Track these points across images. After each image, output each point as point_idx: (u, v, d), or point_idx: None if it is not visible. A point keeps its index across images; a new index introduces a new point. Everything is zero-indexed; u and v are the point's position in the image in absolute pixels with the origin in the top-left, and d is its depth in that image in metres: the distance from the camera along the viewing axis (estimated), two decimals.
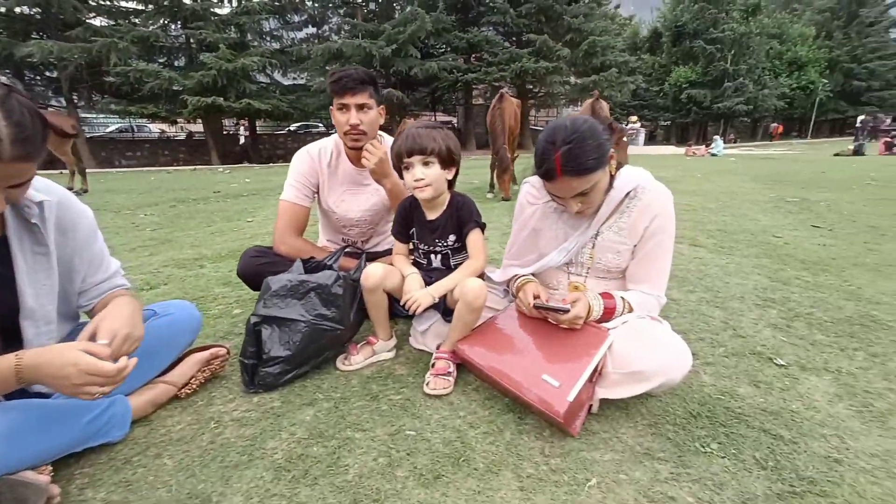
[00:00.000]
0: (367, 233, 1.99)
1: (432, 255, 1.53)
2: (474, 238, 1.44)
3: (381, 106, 1.74)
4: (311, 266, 1.53)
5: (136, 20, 16.99)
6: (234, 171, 13.22)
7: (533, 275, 1.52)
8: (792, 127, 38.08)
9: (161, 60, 17.92)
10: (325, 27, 22.30)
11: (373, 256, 1.97)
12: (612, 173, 1.24)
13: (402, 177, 1.46)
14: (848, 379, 1.41)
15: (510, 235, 1.51)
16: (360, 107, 1.65)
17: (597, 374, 1.18)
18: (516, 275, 1.41)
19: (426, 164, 1.37)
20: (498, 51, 20.46)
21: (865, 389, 1.35)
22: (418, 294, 1.34)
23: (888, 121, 22.52)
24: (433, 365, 1.40)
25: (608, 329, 1.21)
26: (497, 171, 5.38)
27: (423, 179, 1.36)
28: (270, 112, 17.80)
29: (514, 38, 21.82)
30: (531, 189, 1.42)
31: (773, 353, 1.58)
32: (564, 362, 1.17)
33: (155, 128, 24.16)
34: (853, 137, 17.55)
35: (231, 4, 18.24)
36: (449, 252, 1.51)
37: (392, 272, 1.45)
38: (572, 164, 1.09)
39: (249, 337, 1.33)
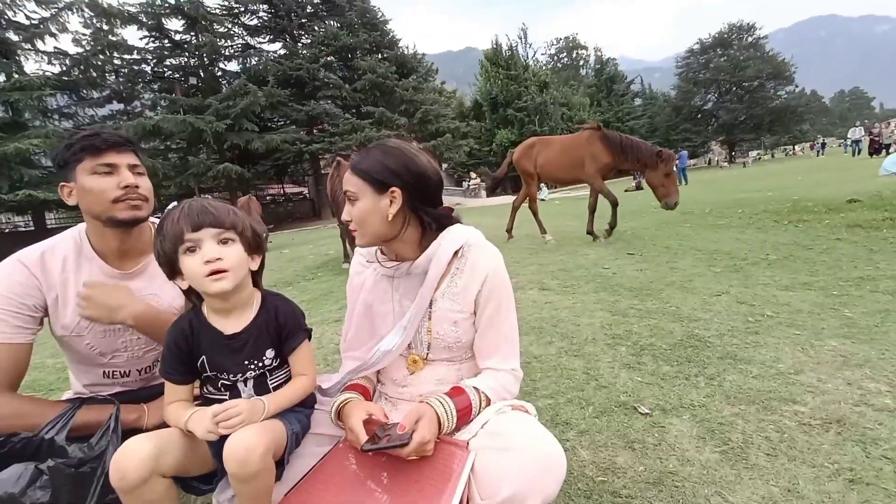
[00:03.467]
0: (144, 357, 1.40)
1: (241, 384, 1.03)
2: (304, 353, 1.04)
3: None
4: (12, 450, 0.94)
5: None
6: None
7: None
8: None
9: None
10: (136, 103, 19.97)
11: (151, 395, 1.40)
12: (388, 212, 1.02)
13: (172, 274, 0.96)
14: (702, 413, 1.41)
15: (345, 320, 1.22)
16: (133, 167, 1.19)
17: None
18: (337, 398, 1.07)
19: (223, 241, 0.94)
20: (339, 122, 21.01)
21: (719, 422, 1.35)
22: (236, 408, 0.87)
23: None
24: None
25: (467, 442, 0.94)
26: (348, 238, 5.13)
27: (219, 260, 0.91)
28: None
29: (353, 110, 22.76)
30: (359, 257, 1.21)
31: (636, 399, 1.54)
32: None
33: None
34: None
35: None
36: (266, 372, 1.04)
37: (170, 441, 0.90)
38: (355, 159, 1.03)
39: None
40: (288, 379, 1.06)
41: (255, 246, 1.02)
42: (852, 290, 2.44)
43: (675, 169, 4.96)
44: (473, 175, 31.39)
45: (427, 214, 1.06)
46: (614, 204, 5.20)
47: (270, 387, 1.06)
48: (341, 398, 1.05)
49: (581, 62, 56.08)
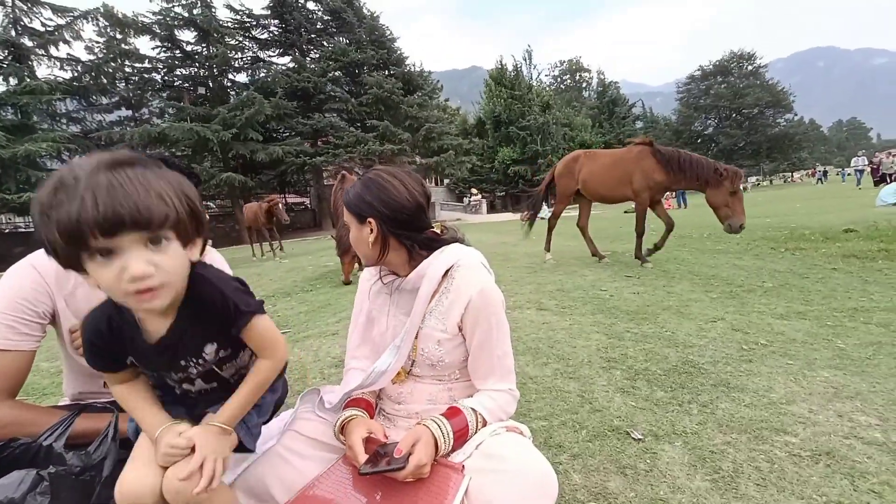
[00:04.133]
0: None
1: (186, 384, 0.90)
2: (257, 333, 0.85)
3: None
4: (11, 455, 0.95)
5: None
6: None
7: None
8: None
9: None
10: (144, 110, 20.26)
11: None
12: (368, 239, 1.09)
13: (75, 266, 0.65)
14: (694, 440, 1.42)
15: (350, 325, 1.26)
16: None
17: None
18: (342, 414, 1.09)
19: (154, 242, 0.66)
20: (344, 135, 21.26)
21: (711, 450, 1.36)
22: (211, 459, 0.79)
23: None
24: None
25: (462, 465, 0.95)
26: (337, 251, 5.20)
27: (151, 277, 0.65)
28: None
29: (358, 124, 23.06)
30: (370, 268, 1.25)
31: (629, 424, 1.55)
32: None
33: None
34: None
35: (8, 82, 15.22)
36: (213, 368, 0.89)
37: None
38: (347, 190, 1.12)
39: None
40: (250, 362, 0.93)
41: (194, 230, 0.73)
42: (846, 321, 2.46)
43: (741, 188, 4.44)
44: (474, 191, 31.65)
45: (408, 238, 1.10)
46: (640, 234, 4.96)
47: (227, 375, 0.94)
48: (345, 415, 1.07)
49: (584, 84, 57.09)
